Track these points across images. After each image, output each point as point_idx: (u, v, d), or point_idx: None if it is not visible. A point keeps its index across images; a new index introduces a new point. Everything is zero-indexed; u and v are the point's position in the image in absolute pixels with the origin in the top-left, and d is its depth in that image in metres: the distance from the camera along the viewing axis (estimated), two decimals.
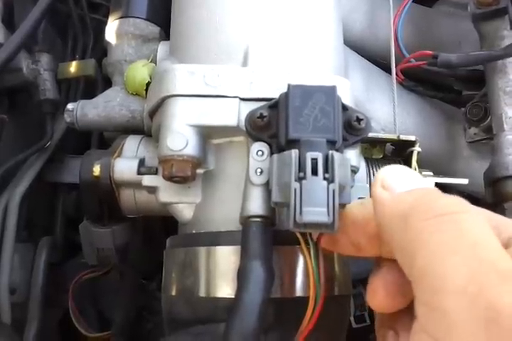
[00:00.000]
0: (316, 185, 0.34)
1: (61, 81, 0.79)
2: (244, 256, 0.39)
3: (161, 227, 0.73)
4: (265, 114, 0.42)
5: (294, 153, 0.36)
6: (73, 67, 0.79)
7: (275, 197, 0.37)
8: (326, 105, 0.41)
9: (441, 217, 0.26)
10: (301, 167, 0.35)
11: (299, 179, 0.34)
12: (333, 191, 0.34)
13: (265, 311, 0.36)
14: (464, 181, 0.50)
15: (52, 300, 0.75)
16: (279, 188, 0.37)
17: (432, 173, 0.51)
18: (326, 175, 0.34)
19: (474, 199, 0.73)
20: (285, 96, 0.41)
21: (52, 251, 0.75)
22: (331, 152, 0.36)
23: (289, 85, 0.41)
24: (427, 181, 0.31)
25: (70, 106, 0.60)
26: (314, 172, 0.35)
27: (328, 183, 0.34)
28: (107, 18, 0.69)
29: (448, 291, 0.23)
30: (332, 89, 0.41)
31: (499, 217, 0.31)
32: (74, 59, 0.84)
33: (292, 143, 0.40)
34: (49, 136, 0.75)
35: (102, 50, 0.84)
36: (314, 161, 0.35)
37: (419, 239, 0.25)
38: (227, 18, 0.51)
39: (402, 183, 0.30)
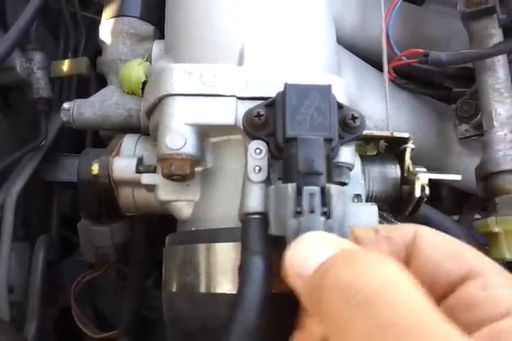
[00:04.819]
0: (314, 222, 0.33)
1: (54, 79, 0.79)
2: (245, 252, 0.40)
3: (158, 225, 0.74)
4: (262, 112, 0.43)
5: (291, 187, 0.35)
6: (66, 65, 0.79)
7: (273, 230, 0.37)
8: (322, 104, 0.42)
9: (351, 300, 0.24)
10: (298, 200, 0.34)
11: (297, 213, 0.33)
12: (331, 228, 0.33)
13: (267, 305, 0.37)
14: (457, 177, 0.51)
15: (49, 298, 0.75)
16: (277, 221, 0.36)
17: (425, 169, 0.52)
18: (324, 209, 0.33)
19: (467, 195, 0.75)
20: (282, 95, 0.42)
21: (49, 250, 0.75)
22: (328, 185, 0.34)
23: (285, 84, 0.42)
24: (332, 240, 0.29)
25: (66, 105, 0.60)
26: (311, 209, 0.33)
27: (326, 219, 0.33)
28: (99, 15, 0.69)
29: None
30: (327, 88, 0.42)
31: (460, 246, 0.31)
32: (66, 57, 0.84)
33: (289, 141, 0.41)
34: (44, 135, 0.75)
35: (94, 48, 0.84)
36: (312, 197, 0.33)
37: (338, 330, 0.25)
38: (222, 17, 0.52)
39: (309, 261, 0.28)
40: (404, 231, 0.32)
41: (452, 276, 0.29)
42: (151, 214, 0.59)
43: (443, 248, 0.31)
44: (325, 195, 0.33)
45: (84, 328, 0.71)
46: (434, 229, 0.32)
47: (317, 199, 0.33)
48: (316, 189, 0.33)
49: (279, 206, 0.35)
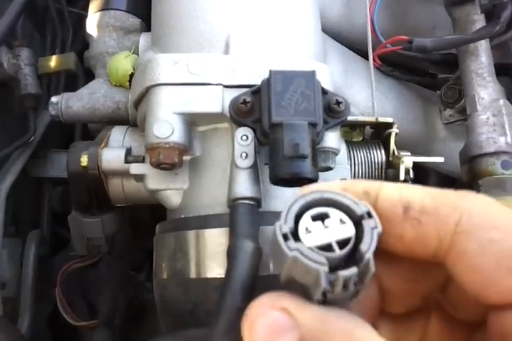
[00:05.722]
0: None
1: (42, 75, 0.79)
2: (233, 236, 0.40)
3: (148, 217, 0.74)
4: (248, 99, 0.44)
5: (324, 273, 0.22)
6: (53, 61, 0.79)
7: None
8: (307, 89, 0.42)
9: None
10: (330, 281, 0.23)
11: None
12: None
13: (254, 288, 0.37)
14: (440, 159, 0.52)
15: (42, 293, 0.75)
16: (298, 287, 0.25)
17: (409, 153, 0.52)
18: (359, 287, 0.24)
19: (452, 180, 0.75)
20: (267, 82, 0.43)
21: (41, 245, 0.75)
22: (366, 263, 0.23)
23: (270, 71, 0.43)
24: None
25: (54, 99, 0.60)
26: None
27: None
28: (86, 11, 0.69)
29: None
30: (311, 74, 0.43)
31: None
32: (53, 53, 0.84)
33: (275, 127, 0.41)
34: (32, 131, 0.75)
35: (81, 43, 0.83)
36: (346, 281, 0.23)
37: None
38: (208, 7, 0.52)
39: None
40: (444, 214, 0.22)
41: (502, 298, 0.21)
42: (140, 205, 0.59)
43: (498, 249, 0.20)
44: (361, 272, 0.24)
45: (65, 315, 0.70)
46: (492, 203, 0.22)
47: (351, 286, 0.24)
48: (353, 272, 0.23)
49: (304, 280, 0.24)
